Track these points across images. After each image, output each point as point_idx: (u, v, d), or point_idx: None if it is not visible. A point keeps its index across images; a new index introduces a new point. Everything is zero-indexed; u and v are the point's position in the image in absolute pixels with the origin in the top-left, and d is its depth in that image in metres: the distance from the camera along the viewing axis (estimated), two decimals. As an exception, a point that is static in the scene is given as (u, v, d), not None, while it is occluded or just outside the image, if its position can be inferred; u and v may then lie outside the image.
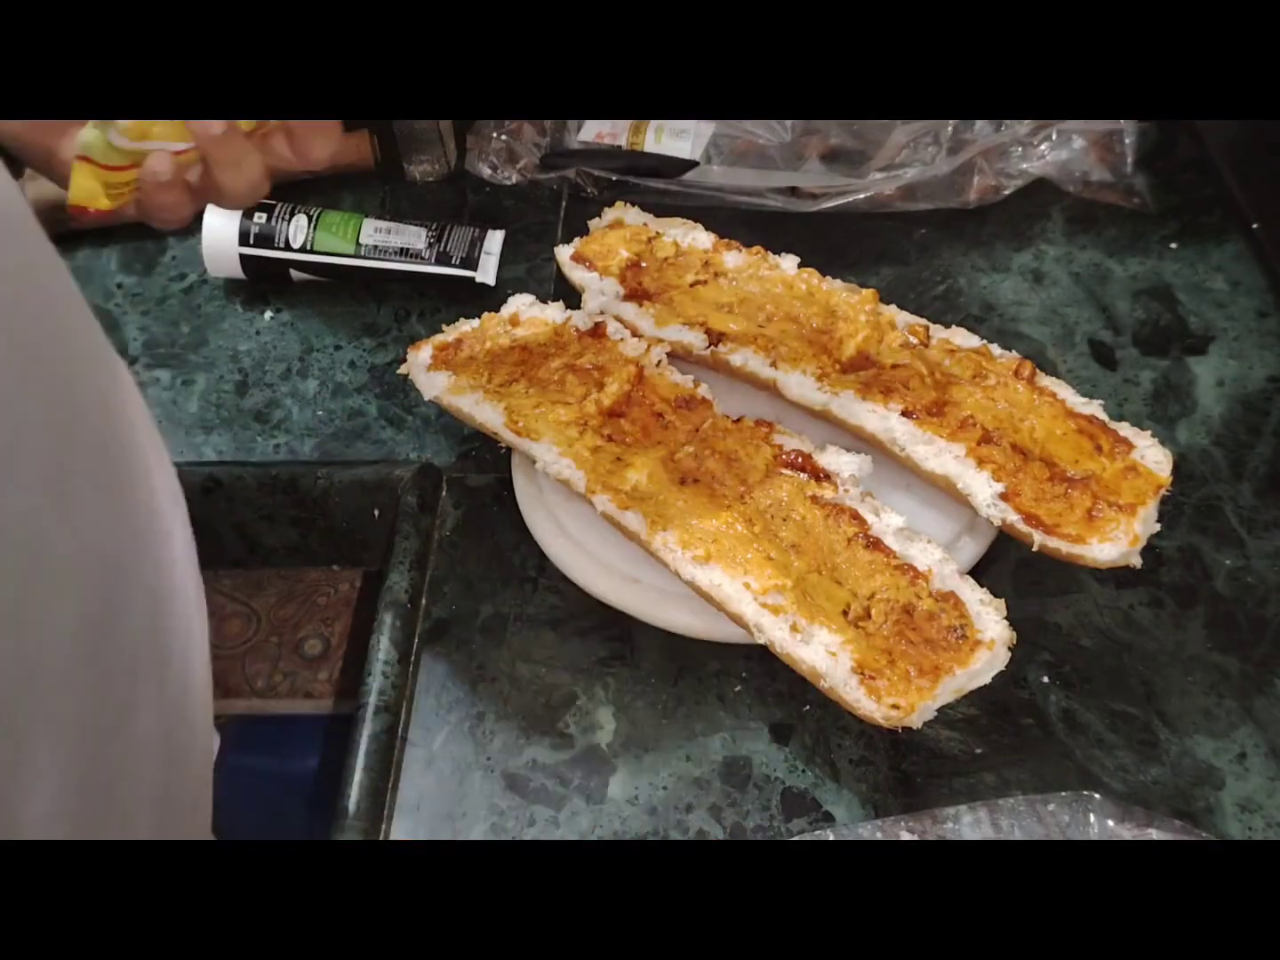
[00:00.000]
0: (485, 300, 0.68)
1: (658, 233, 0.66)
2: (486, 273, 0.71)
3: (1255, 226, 0.69)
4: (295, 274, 0.71)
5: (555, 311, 0.63)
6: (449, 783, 0.52)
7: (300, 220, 0.70)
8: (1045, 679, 0.53)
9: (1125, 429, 0.53)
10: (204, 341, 0.71)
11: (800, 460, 0.54)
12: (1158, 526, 0.51)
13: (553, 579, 0.59)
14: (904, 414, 0.54)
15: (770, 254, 0.64)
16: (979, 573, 0.54)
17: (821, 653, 0.48)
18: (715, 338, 0.60)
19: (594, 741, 0.53)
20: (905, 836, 0.45)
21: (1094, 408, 0.53)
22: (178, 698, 0.34)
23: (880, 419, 0.54)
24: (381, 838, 0.51)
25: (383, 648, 0.56)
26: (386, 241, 0.70)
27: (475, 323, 0.63)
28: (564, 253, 0.66)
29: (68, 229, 0.68)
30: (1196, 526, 0.57)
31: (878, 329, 0.58)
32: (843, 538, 0.51)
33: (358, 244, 0.70)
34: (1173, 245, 0.71)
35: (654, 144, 0.77)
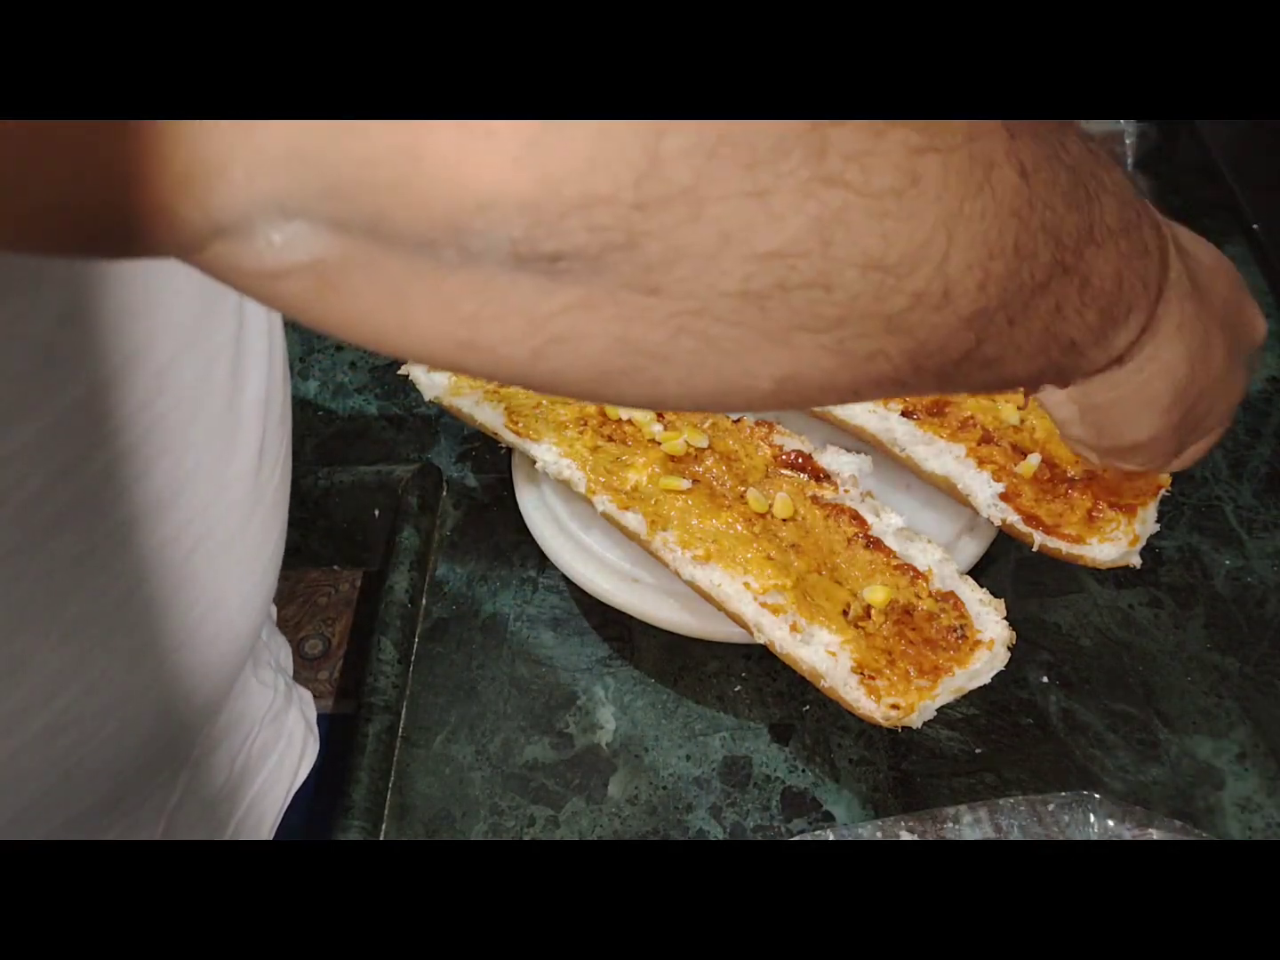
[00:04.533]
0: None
1: (658, 233, 0.66)
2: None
3: (1256, 228, 0.69)
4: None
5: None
6: (449, 783, 0.52)
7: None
8: (1045, 679, 0.53)
9: (1125, 429, 0.53)
10: (204, 341, 0.71)
11: (800, 460, 0.54)
12: (1157, 527, 0.51)
13: (553, 579, 0.59)
14: (904, 414, 0.54)
15: (770, 254, 0.64)
16: (979, 573, 0.54)
17: (821, 653, 0.48)
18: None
19: (594, 741, 0.53)
20: (905, 836, 0.45)
21: (1094, 408, 0.53)
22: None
23: (880, 419, 0.54)
24: (381, 838, 0.51)
25: (383, 648, 0.56)
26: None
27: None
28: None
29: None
30: (1196, 527, 0.57)
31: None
32: (843, 538, 0.51)
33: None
34: (1173, 246, 0.71)
35: (654, 144, 0.77)
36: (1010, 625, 0.47)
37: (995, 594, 0.49)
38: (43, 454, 0.29)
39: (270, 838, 0.51)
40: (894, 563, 0.50)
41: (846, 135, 0.19)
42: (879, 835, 0.45)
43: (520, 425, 0.57)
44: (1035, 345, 0.25)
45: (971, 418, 0.53)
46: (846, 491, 0.53)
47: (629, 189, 0.18)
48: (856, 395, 0.23)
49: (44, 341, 0.28)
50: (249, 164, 0.18)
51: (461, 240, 0.18)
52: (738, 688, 0.54)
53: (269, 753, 0.51)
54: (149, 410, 0.32)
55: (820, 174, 0.19)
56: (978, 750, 0.51)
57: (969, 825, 0.45)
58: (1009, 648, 0.47)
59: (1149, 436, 0.35)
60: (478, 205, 0.18)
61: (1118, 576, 0.55)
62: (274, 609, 0.55)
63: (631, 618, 0.55)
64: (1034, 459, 0.51)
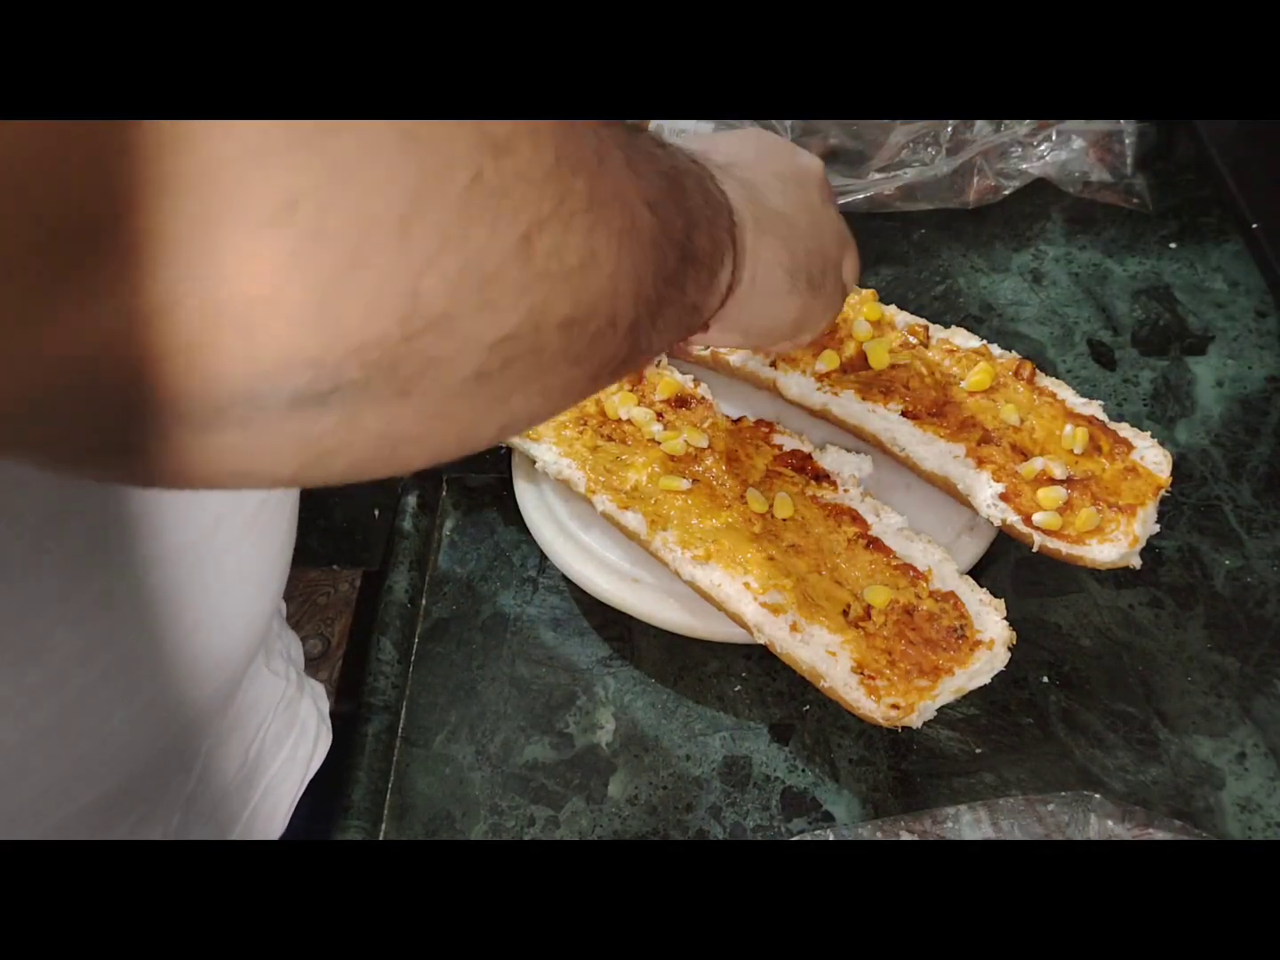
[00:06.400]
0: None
1: (657, 233, 0.66)
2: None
3: (1254, 226, 0.69)
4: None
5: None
6: (449, 783, 0.52)
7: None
8: (1045, 679, 0.53)
9: (1125, 430, 0.53)
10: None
11: (800, 460, 0.54)
12: (1157, 527, 0.51)
13: (553, 579, 0.59)
14: (904, 414, 0.54)
15: (770, 254, 0.63)
16: (979, 573, 0.54)
17: (821, 653, 0.48)
18: (715, 338, 0.60)
19: (594, 741, 0.53)
20: (905, 836, 0.45)
21: (1093, 408, 0.53)
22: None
23: (880, 419, 0.54)
24: (381, 838, 0.51)
25: (383, 648, 0.56)
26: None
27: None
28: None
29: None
30: (1196, 527, 0.57)
31: (878, 329, 0.58)
32: (843, 538, 0.51)
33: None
34: (1172, 245, 0.71)
35: (654, 144, 0.76)
36: (1010, 625, 0.47)
37: (995, 594, 0.49)
38: None
39: (284, 826, 0.51)
40: (894, 563, 0.50)
41: (552, 232, 0.22)
42: (879, 835, 0.45)
43: (520, 425, 0.57)
44: (672, 324, 0.31)
45: (971, 418, 0.53)
46: (846, 491, 0.53)
47: (396, 327, 0.20)
48: (554, 414, 0.28)
49: None
50: (50, 362, 0.18)
51: (252, 401, 0.20)
52: (738, 688, 0.54)
53: (282, 741, 0.51)
54: None
55: (532, 272, 0.22)
56: (978, 750, 0.51)
57: (969, 825, 0.45)
58: (1009, 648, 0.47)
59: (796, 314, 0.40)
60: (269, 371, 0.20)
61: (1118, 576, 0.55)
62: (283, 604, 0.56)
63: (631, 618, 0.55)
64: (1036, 462, 0.51)
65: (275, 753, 0.51)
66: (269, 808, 0.51)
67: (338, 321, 0.20)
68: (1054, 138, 0.73)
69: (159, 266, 0.18)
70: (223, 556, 0.37)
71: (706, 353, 0.60)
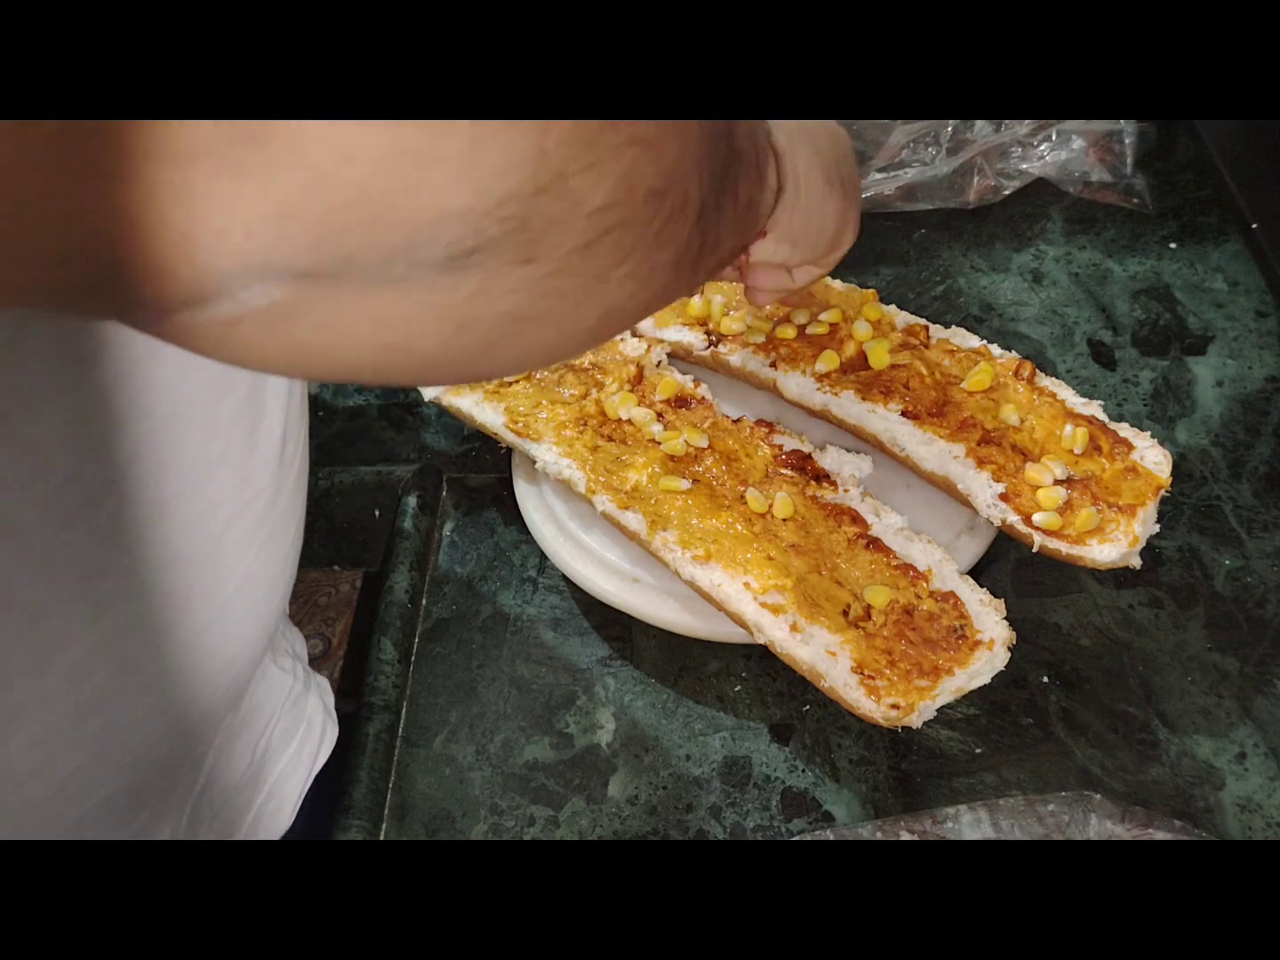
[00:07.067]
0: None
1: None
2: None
3: (1254, 226, 0.69)
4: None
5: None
6: (449, 783, 0.52)
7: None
8: (1045, 679, 0.53)
9: (1125, 430, 0.53)
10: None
11: (800, 460, 0.54)
12: (1157, 527, 0.51)
13: (553, 579, 0.59)
14: (904, 414, 0.54)
15: (770, 254, 0.63)
16: (979, 573, 0.54)
17: (821, 653, 0.48)
18: (715, 338, 0.60)
19: (594, 741, 0.53)
20: (905, 836, 0.45)
21: (1093, 408, 0.53)
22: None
23: (880, 419, 0.54)
24: (381, 838, 0.51)
25: (383, 648, 0.56)
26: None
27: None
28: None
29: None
30: (1196, 527, 0.57)
31: (878, 329, 0.58)
32: (843, 538, 0.51)
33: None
34: (1172, 245, 0.71)
35: (654, 144, 0.76)
36: (1010, 625, 0.47)
37: (995, 594, 0.49)
38: (72, 436, 0.30)
39: (290, 821, 0.51)
40: (894, 563, 0.50)
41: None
42: (879, 835, 0.45)
43: (520, 425, 0.57)
44: (731, 217, 0.32)
45: (971, 418, 0.53)
46: (846, 491, 0.53)
47: (528, 182, 0.22)
48: (648, 310, 0.29)
49: (69, 327, 0.28)
50: (249, 223, 0.20)
51: (412, 255, 0.22)
52: (738, 688, 0.54)
53: (289, 738, 0.51)
54: (176, 391, 0.33)
55: (622, 137, 0.24)
56: (978, 750, 0.51)
57: (969, 825, 0.45)
58: (1009, 648, 0.47)
59: (835, 215, 0.43)
60: (429, 222, 0.21)
61: (1118, 576, 0.55)
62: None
63: (631, 618, 0.55)
64: (1038, 465, 0.51)
65: (282, 749, 0.51)
66: (276, 803, 0.51)
67: (485, 172, 0.21)
68: (1054, 138, 0.73)
69: (336, 126, 0.20)
70: (233, 558, 0.38)
71: (706, 352, 0.60)
